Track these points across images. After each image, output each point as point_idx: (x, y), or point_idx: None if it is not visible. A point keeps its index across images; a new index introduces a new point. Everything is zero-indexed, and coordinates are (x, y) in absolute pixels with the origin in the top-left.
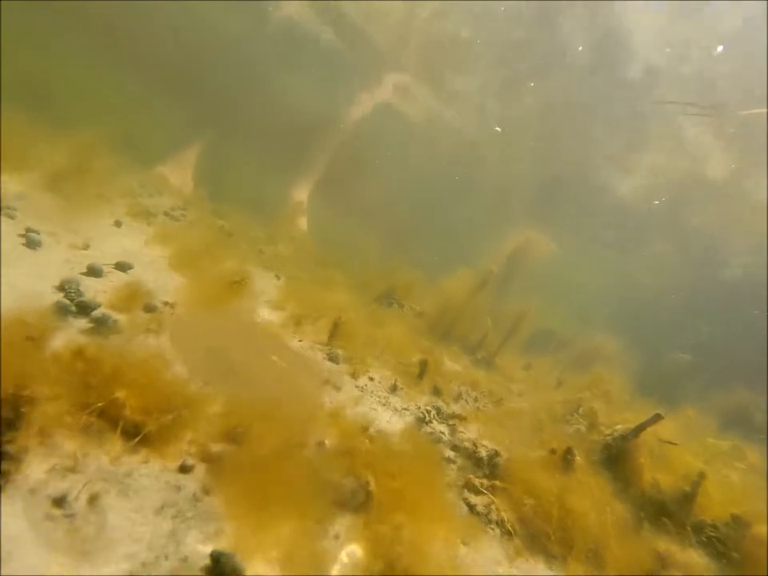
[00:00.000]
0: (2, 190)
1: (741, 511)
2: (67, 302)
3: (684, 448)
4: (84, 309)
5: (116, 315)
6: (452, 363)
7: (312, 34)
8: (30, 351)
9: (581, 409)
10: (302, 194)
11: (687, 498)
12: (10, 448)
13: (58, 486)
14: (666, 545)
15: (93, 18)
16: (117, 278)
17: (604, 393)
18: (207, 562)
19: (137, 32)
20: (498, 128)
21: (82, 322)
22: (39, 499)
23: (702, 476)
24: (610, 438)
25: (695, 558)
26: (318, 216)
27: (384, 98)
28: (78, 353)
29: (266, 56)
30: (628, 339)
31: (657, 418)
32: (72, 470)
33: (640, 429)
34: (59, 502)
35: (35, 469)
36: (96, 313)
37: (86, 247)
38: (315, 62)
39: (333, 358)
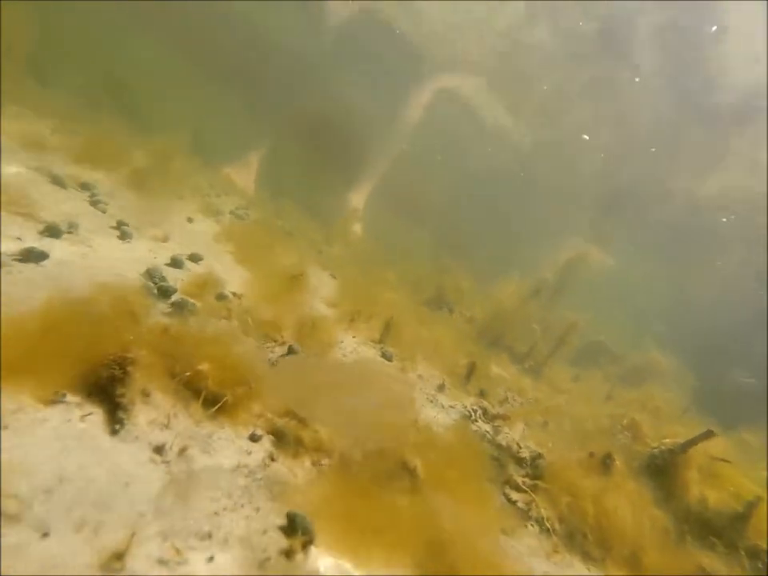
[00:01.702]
0: (98, 188)
1: None
2: (152, 285)
3: (738, 469)
4: (165, 293)
5: (193, 300)
6: (499, 370)
7: (374, 38)
8: (130, 323)
9: (625, 420)
10: (359, 198)
11: (739, 519)
12: (122, 400)
13: (156, 437)
14: (710, 561)
15: (173, 30)
16: (191, 269)
17: (654, 409)
18: (279, 519)
19: (209, 44)
20: (585, 136)
21: (164, 306)
22: (143, 445)
23: (758, 498)
24: (656, 450)
25: None
26: (373, 220)
27: (449, 99)
28: (165, 330)
29: (332, 64)
30: (686, 357)
31: (709, 434)
32: (166, 425)
33: (690, 444)
34: (158, 449)
35: (139, 421)
36: (176, 297)
37: (166, 239)
38: (377, 64)
39: (386, 356)
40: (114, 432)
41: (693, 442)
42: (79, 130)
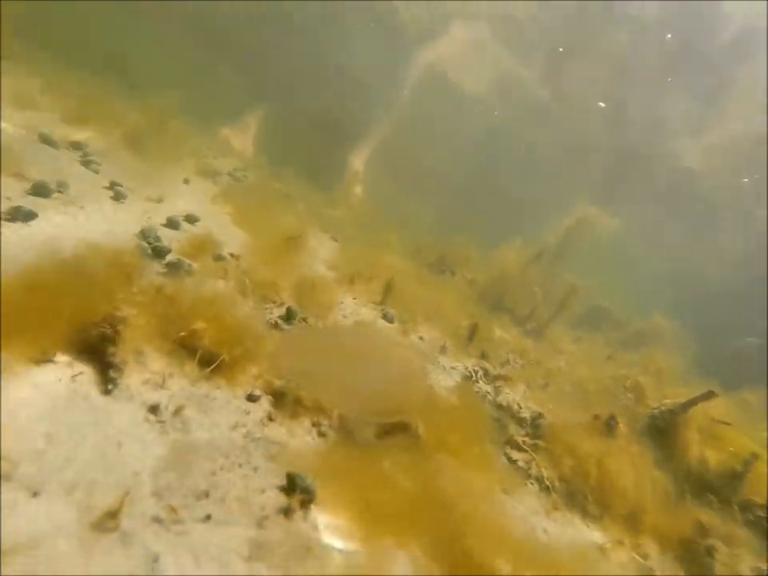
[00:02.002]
0: (90, 148)
1: None
2: (146, 245)
3: (738, 429)
4: (160, 253)
5: (189, 261)
6: (501, 332)
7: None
8: (122, 283)
9: (628, 382)
10: (359, 161)
11: (736, 477)
12: (114, 359)
13: (151, 397)
14: (708, 518)
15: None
16: (188, 230)
17: (656, 371)
18: (277, 479)
19: (203, 5)
20: (601, 103)
21: (159, 266)
22: (138, 405)
23: (754, 456)
24: (657, 410)
25: (738, 532)
26: (374, 183)
27: (449, 58)
28: (159, 290)
29: (327, 25)
30: (690, 322)
31: (710, 394)
32: (161, 385)
33: (690, 404)
34: (153, 409)
35: (133, 381)
36: (171, 257)
37: (161, 201)
38: (376, 23)
39: (387, 317)
40: (106, 392)
41: (693, 402)
42: (69, 90)
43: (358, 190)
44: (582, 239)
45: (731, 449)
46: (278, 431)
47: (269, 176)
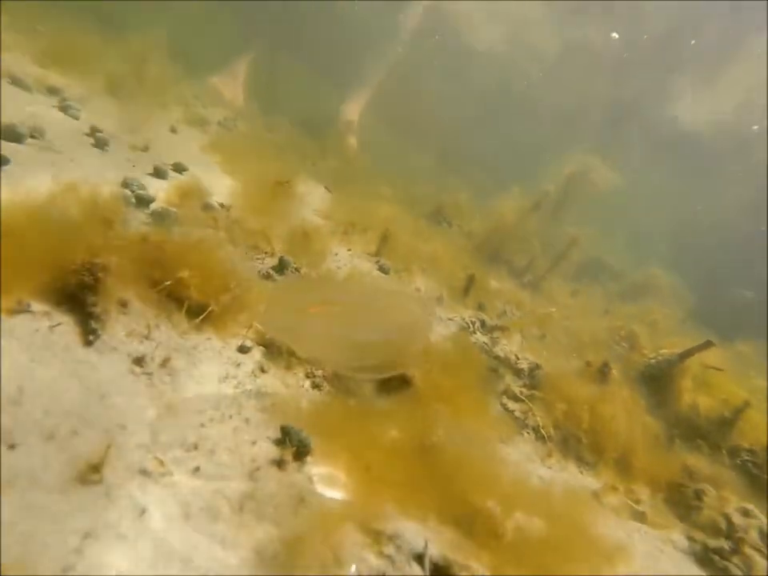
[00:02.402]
0: (68, 93)
1: None
2: (129, 193)
3: (730, 377)
4: (144, 202)
5: (175, 210)
6: (497, 284)
7: None
8: (103, 230)
9: (623, 331)
10: (354, 111)
11: (726, 423)
12: (94, 309)
13: (136, 348)
14: (698, 462)
15: None
16: (175, 178)
17: (652, 322)
18: (270, 431)
19: None
20: (615, 34)
21: (143, 215)
22: (122, 356)
23: (746, 404)
24: (653, 360)
25: (725, 474)
26: (370, 133)
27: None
28: (144, 238)
29: None
30: (687, 274)
31: (707, 344)
32: (147, 337)
33: (688, 354)
34: (139, 360)
35: (117, 332)
36: (156, 206)
37: (146, 149)
38: None
39: (383, 269)
40: (88, 343)
41: (691, 352)
42: (40, 28)
43: (353, 140)
44: (582, 190)
45: (723, 396)
46: (270, 382)
47: (260, 126)
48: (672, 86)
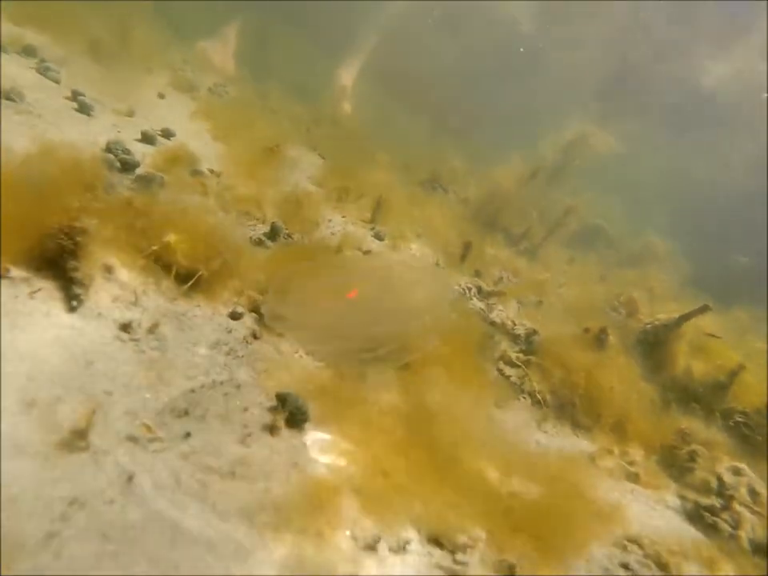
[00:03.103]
0: (46, 54)
1: None
2: (113, 157)
3: (726, 343)
4: (129, 166)
5: (162, 175)
6: (494, 251)
7: None
8: (83, 193)
9: (621, 297)
10: (348, 76)
11: (721, 387)
12: (76, 274)
13: (123, 314)
14: (691, 425)
15: None
16: (162, 144)
17: (649, 289)
18: (261, 397)
19: None
20: None
21: (128, 180)
22: (108, 323)
23: (740, 367)
24: (650, 325)
25: (717, 436)
26: (364, 99)
27: None
28: (128, 203)
29: None
30: (685, 242)
31: (704, 308)
32: (134, 303)
33: (684, 318)
34: (125, 327)
35: (102, 298)
36: (141, 171)
37: (131, 114)
38: None
39: (378, 235)
40: (71, 309)
41: (688, 317)
42: None
43: (347, 106)
44: (581, 156)
45: (718, 361)
46: (263, 349)
47: (251, 92)
48: (687, 49)
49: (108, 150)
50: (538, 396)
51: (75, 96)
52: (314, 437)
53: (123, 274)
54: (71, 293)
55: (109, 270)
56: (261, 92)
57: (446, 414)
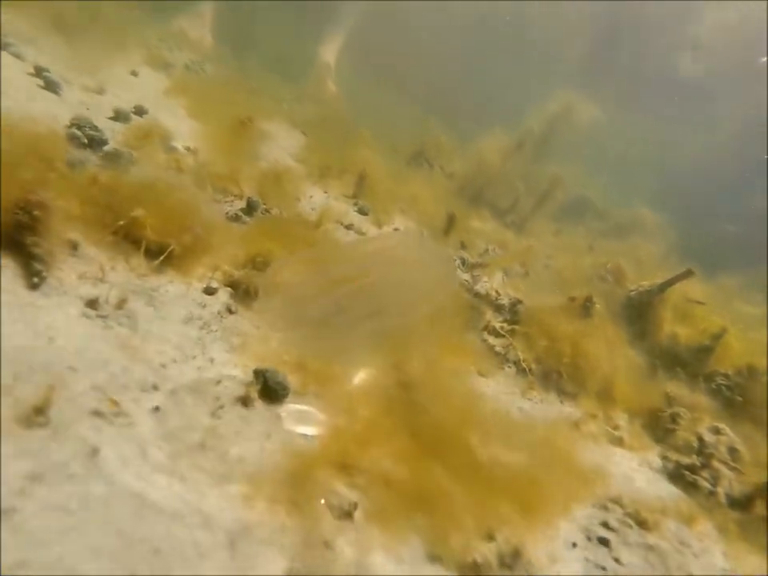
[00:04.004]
0: (8, 29)
1: (757, 364)
2: (79, 133)
3: (711, 309)
4: (96, 143)
5: (133, 152)
6: (480, 224)
7: None
8: (43, 168)
9: (608, 265)
10: (330, 51)
11: (705, 351)
12: (36, 250)
13: (89, 291)
14: (675, 389)
15: None
16: (135, 121)
17: (636, 259)
18: (236, 370)
19: None
20: None
21: (95, 157)
22: (73, 299)
23: (723, 331)
24: (634, 292)
25: (702, 400)
26: (347, 76)
27: None
28: (94, 179)
29: None
30: (672, 212)
31: (688, 273)
32: (101, 279)
33: (668, 284)
34: (92, 303)
35: (66, 275)
36: (110, 148)
37: (101, 92)
38: None
39: (362, 211)
40: (33, 286)
41: (671, 282)
42: None
43: (330, 82)
44: (566, 128)
45: (702, 326)
46: (239, 324)
47: (230, 69)
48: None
49: (74, 125)
50: (523, 365)
51: (39, 72)
52: (290, 408)
53: (89, 250)
54: (32, 269)
55: (73, 246)
56: (241, 70)
57: (428, 383)
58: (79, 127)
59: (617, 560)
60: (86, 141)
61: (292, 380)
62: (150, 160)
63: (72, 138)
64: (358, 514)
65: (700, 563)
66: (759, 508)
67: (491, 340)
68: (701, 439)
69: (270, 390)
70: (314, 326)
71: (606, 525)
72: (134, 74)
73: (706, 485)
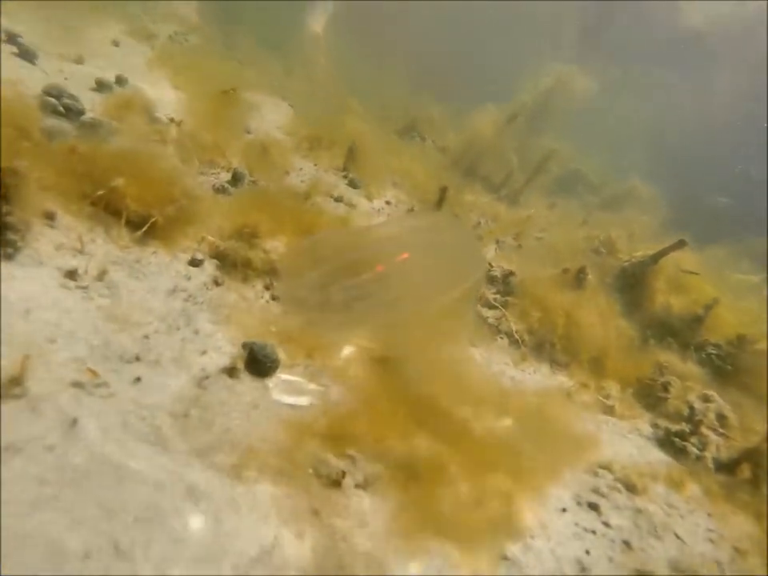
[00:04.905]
0: None
1: (747, 333)
2: (54, 101)
3: (704, 279)
4: (74, 112)
5: (113, 122)
6: (473, 197)
7: None
8: (14, 137)
9: (601, 236)
10: (318, 23)
11: (697, 321)
12: (9, 219)
13: (68, 262)
14: (667, 358)
15: None
16: (116, 91)
17: (629, 230)
18: (222, 342)
19: None
20: None
21: (72, 127)
22: (50, 270)
23: (715, 301)
24: (627, 263)
25: (692, 369)
26: (337, 48)
27: None
28: (72, 149)
29: None
30: (666, 186)
31: (680, 244)
32: (80, 251)
33: (661, 254)
34: (71, 274)
35: (43, 246)
36: (87, 117)
37: (80, 61)
38: None
39: (352, 183)
40: (8, 257)
41: (664, 252)
42: None
43: (318, 55)
44: (561, 100)
45: (694, 296)
46: (225, 295)
47: (217, 41)
48: None
49: (49, 94)
50: (516, 336)
51: (11, 38)
52: (279, 379)
53: (68, 220)
54: (6, 239)
55: (50, 216)
56: (226, 41)
57: (419, 354)
58: (55, 96)
59: (606, 524)
60: (62, 110)
61: (281, 352)
62: (131, 130)
63: (47, 107)
64: (346, 482)
65: (686, 524)
66: (745, 471)
67: (484, 312)
68: (691, 407)
69: (257, 362)
70: (336, 309)
71: (596, 491)
72: (116, 44)
73: (694, 450)
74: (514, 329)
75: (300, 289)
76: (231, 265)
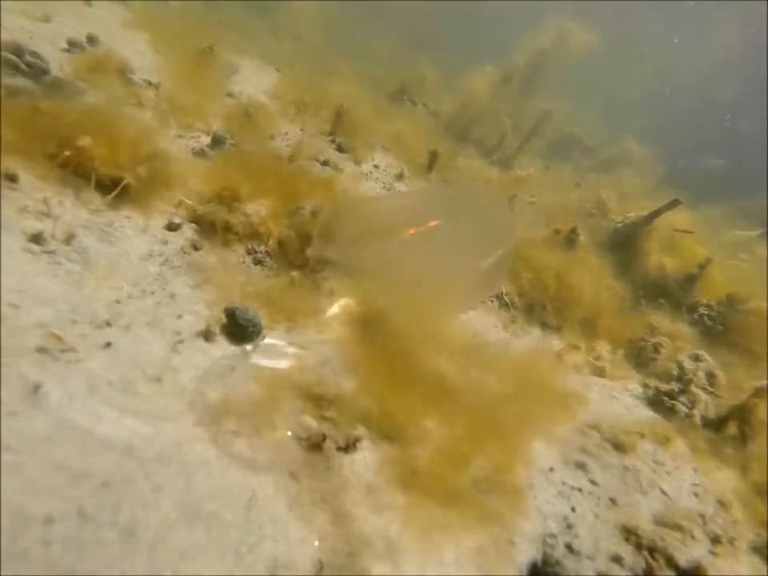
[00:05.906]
0: None
1: (737, 291)
2: (15, 59)
3: (698, 239)
4: (37, 72)
5: (81, 82)
6: (466, 162)
7: None
8: None
9: (594, 197)
10: None
11: (689, 281)
12: None
13: (33, 226)
14: (658, 320)
15: None
16: (86, 52)
17: (623, 191)
18: (200, 305)
19: None
20: None
21: (36, 86)
22: (14, 234)
23: (708, 261)
24: (620, 224)
25: (683, 329)
26: (325, 8)
27: None
28: (35, 108)
29: None
30: (661, 147)
31: (675, 203)
32: (46, 214)
33: (655, 214)
34: (36, 238)
35: (5, 208)
36: (51, 77)
37: (47, 19)
38: None
39: (340, 148)
40: None
41: (658, 212)
42: None
43: (307, 16)
44: (557, 58)
45: (687, 256)
46: (204, 260)
47: (199, 3)
48: None
49: (9, 51)
50: (506, 298)
51: None
52: (257, 342)
53: (31, 183)
54: None
55: (12, 178)
56: (212, 5)
57: (404, 314)
58: (16, 53)
59: (592, 481)
60: (24, 68)
61: (262, 316)
62: (102, 92)
63: (7, 64)
64: (327, 445)
65: (672, 479)
66: (731, 428)
67: None
68: (680, 366)
69: (239, 326)
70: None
71: (583, 450)
72: (89, 4)
73: (683, 408)
74: (503, 291)
75: (330, 251)
76: (211, 229)
